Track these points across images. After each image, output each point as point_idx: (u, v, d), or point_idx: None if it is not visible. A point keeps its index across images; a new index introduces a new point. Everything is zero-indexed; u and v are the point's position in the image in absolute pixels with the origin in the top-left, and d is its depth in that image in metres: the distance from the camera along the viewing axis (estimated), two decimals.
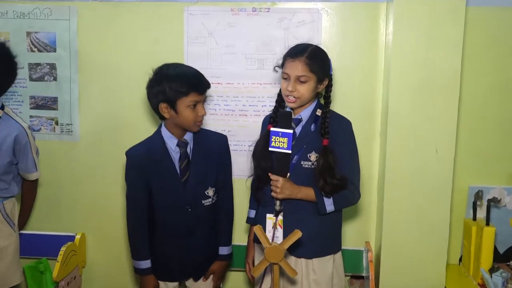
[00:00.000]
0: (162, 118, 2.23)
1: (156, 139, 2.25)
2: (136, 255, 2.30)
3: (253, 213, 2.41)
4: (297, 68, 2.10)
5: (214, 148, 2.31)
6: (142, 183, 2.23)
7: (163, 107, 2.14)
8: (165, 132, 2.23)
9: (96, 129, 2.91)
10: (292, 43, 2.27)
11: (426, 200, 2.45)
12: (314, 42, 2.33)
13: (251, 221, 2.41)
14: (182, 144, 2.23)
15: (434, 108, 2.40)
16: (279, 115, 2.10)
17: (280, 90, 2.26)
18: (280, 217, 2.13)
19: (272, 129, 2.04)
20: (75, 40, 2.84)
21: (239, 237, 2.76)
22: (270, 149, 2.04)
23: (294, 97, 2.12)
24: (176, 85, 2.09)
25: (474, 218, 2.67)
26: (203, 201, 2.27)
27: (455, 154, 2.43)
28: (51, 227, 2.95)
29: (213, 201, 2.30)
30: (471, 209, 2.68)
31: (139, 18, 2.79)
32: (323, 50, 2.21)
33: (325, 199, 2.14)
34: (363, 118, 2.69)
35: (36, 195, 2.69)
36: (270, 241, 2.01)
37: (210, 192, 2.29)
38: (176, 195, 2.23)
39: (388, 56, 2.53)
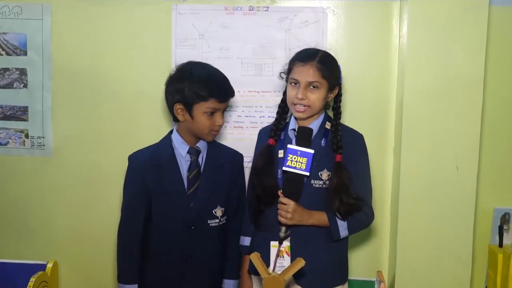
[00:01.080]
0: (175, 120, 2.22)
1: (164, 144, 2.25)
2: (122, 277, 2.24)
3: (247, 241, 2.34)
4: (308, 73, 2.09)
5: (228, 164, 2.30)
6: (142, 193, 2.21)
7: (178, 109, 2.14)
8: (176, 137, 2.22)
9: (72, 143, 2.87)
10: (294, 46, 2.27)
11: (445, 224, 2.42)
12: (318, 45, 2.33)
13: (245, 250, 2.35)
14: (194, 152, 2.21)
15: (454, 119, 2.39)
16: (299, 131, 2.10)
17: (282, 101, 2.24)
18: (287, 243, 2.10)
19: (289, 146, 2.02)
20: (49, 43, 2.82)
21: None
22: (284, 168, 2.02)
23: (304, 106, 2.10)
24: (196, 87, 2.09)
25: (501, 245, 2.65)
26: (209, 221, 2.23)
27: (479, 171, 2.42)
28: (18, 255, 2.89)
29: (221, 223, 2.26)
30: (497, 234, 2.66)
31: (121, 18, 2.77)
32: (333, 57, 2.21)
33: (339, 224, 2.11)
34: (374, 131, 2.67)
35: None
36: (273, 271, 1.98)
37: (219, 212, 2.25)
38: (178, 209, 2.19)
39: (402, 60, 2.51)
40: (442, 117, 2.39)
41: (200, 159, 2.22)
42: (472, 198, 2.41)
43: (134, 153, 2.27)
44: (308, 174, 2.00)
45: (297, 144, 2.03)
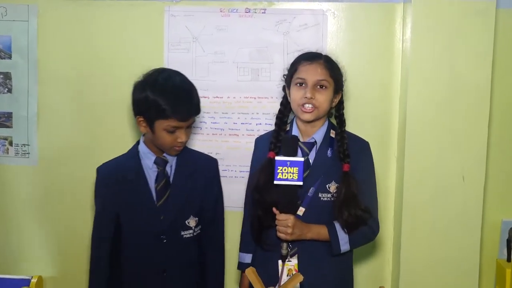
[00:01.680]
0: None
1: (131, 155, 2.23)
2: None
3: (248, 258, 2.33)
4: (316, 71, 2.10)
5: (201, 171, 2.26)
6: (109, 206, 2.19)
7: (140, 121, 2.12)
8: (142, 147, 2.20)
9: (58, 151, 2.87)
10: (293, 50, 2.28)
11: (451, 237, 2.43)
12: (318, 49, 2.34)
13: (245, 267, 2.35)
14: (160, 162, 2.19)
15: (460, 126, 2.40)
16: (283, 141, 2.07)
17: (279, 111, 2.24)
18: (295, 261, 2.10)
19: (277, 158, 1.98)
20: (35, 45, 2.82)
21: (230, 285, 2.72)
22: (276, 182, 1.98)
23: (312, 106, 2.10)
24: (157, 103, 2.04)
25: (509, 259, 2.64)
26: (182, 232, 2.20)
27: (486, 182, 2.43)
28: (1, 269, 2.88)
29: (195, 234, 2.24)
30: (505, 248, 2.66)
31: (110, 20, 2.77)
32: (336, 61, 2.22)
33: (340, 237, 2.10)
34: (376, 139, 2.63)
35: None
36: None
37: (192, 222, 2.23)
38: (148, 221, 2.17)
39: (405, 66, 2.53)
40: (448, 124, 2.41)
41: (168, 169, 2.20)
42: (479, 210, 2.41)
43: (102, 164, 2.24)
44: (301, 183, 1.97)
45: (284, 154, 1.98)
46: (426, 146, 2.42)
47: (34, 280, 2.81)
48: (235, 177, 2.76)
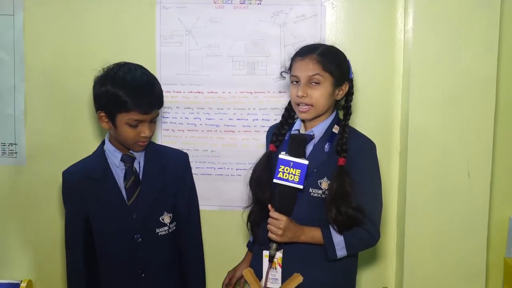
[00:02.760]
0: None
1: (97, 154, 2.22)
2: None
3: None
4: (307, 66, 2.05)
5: (171, 166, 2.26)
6: (79, 209, 2.19)
7: (102, 116, 2.10)
8: (108, 146, 2.19)
9: (47, 151, 2.85)
10: (290, 43, 2.25)
11: (457, 235, 2.43)
12: (316, 41, 2.31)
13: (250, 246, 2.39)
14: (127, 159, 2.17)
15: (465, 121, 2.40)
16: (291, 139, 2.03)
17: (289, 103, 2.21)
18: (279, 254, 2.07)
19: (280, 156, 1.96)
20: (21, 40, 2.80)
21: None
22: (275, 181, 1.97)
23: (307, 105, 2.06)
24: (117, 95, 2.02)
25: None
26: (157, 230, 2.20)
27: (492, 178, 2.43)
28: None
29: (170, 230, 2.23)
30: None
31: (100, 13, 2.75)
32: (339, 50, 2.17)
33: (336, 242, 2.05)
34: (377, 135, 2.60)
35: None
36: (265, 284, 1.98)
37: (166, 218, 2.22)
38: (121, 221, 2.16)
39: (407, 58, 2.51)
40: (452, 119, 2.40)
41: (136, 166, 2.19)
42: (485, 207, 2.42)
43: (68, 168, 2.24)
44: (301, 187, 1.95)
45: (289, 153, 1.96)
46: (430, 141, 2.43)
47: (23, 284, 2.82)
48: (231, 175, 2.74)
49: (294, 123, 2.22)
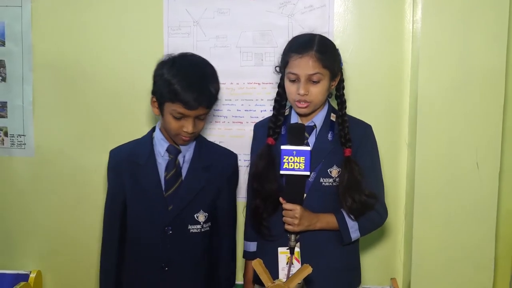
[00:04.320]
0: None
1: (145, 140, 2.24)
2: (103, 280, 2.27)
3: (253, 246, 2.35)
4: (308, 65, 2.05)
5: (218, 166, 2.25)
6: (119, 191, 2.21)
7: (153, 101, 2.13)
8: (157, 133, 2.21)
9: (55, 142, 2.87)
10: (297, 33, 2.24)
11: (465, 226, 2.43)
12: (324, 31, 2.32)
13: (250, 256, 2.35)
14: (172, 150, 2.18)
15: (473, 111, 2.39)
16: (288, 129, 2.07)
17: (277, 94, 2.23)
18: (297, 249, 2.09)
19: (283, 147, 1.98)
20: (29, 31, 2.82)
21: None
22: (282, 172, 1.98)
23: (306, 101, 2.09)
24: (168, 83, 2.04)
25: None
26: (189, 227, 2.19)
27: (501, 168, 2.42)
28: None
29: (203, 230, 2.22)
30: None
31: (107, 5, 2.77)
32: (329, 40, 2.19)
33: (350, 225, 2.11)
34: (386, 125, 2.66)
35: None
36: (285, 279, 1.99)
37: (201, 217, 2.22)
38: (154, 210, 2.16)
39: (416, 48, 2.51)
40: (461, 109, 2.40)
41: (181, 159, 2.19)
42: (494, 197, 2.41)
43: (115, 148, 2.27)
44: (308, 173, 1.98)
45: (290, 143, 1.98)
46: (438, 132, 2.42)
47: (33, 275, 2.84)
48: (240, 166, 2.73)
49: (288, 115, 2.23)
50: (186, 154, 2.20)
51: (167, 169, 2.18)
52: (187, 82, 2.03)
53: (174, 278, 2.19)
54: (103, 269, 2.28)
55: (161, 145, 2.18)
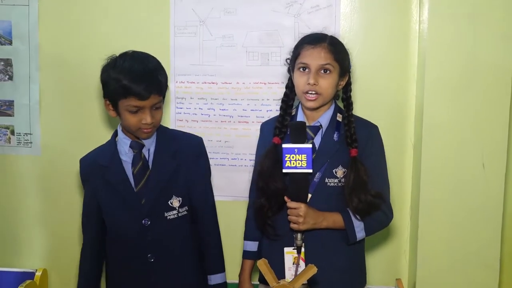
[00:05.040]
0: None
1: (109, 143, 2.27)
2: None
3: (252, 245, 2.34)
4: (320, 55, 2.08)
5: (184, 150, 2.27)
6: (90, 195, 2.25)
7: (107, 104, 2.15)
8: (119, 134, 2.23)
9: (62, 140, 2.89)
10: (304, 33, 2.25)
11: (471, 227, 2.43)
12: (331, 31, 2.32)
13: (250, 256, 2.35)
14: (135, 145, 2.20)
15: (480, 112, 2.39)
16: (290, 128, 2.08)
17: (285, 94, 2.25)
18: (302, 249, 2.10)
19: (284, 146, 1.99)
20: (36, 30, 2.83)
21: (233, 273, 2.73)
22: (284, 171, 2.00)
23: (316, 93, 2.09)
24: (115, 82, 2.06)
25: None
26: (165, 214, 2.21)
27: (507, 170, 2.42)
28: (5, 262, 2.91)
29: (180, 214, 2.24)
30: None
31: (114, 4, 2.79)
32: (342, 42, 2.21)
33: (355, 225, 2.12)
34: (392, 125, 2.67)
35: None
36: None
37: (175, 202, 2.22)
38: (128, 207, 2.18)
39: (422, 48, 2.51)
40: (467, 110, 2.40)
41: (146, 152, 2.21)
42: (499, 198, 2.41)
43: (84, 156, 2.30)
44: (311, 171, 1.99)
45: (292, 141, 1.99)
46: (444, 132, 2.42)
47: (38, 273, 2.85)
48: (245, 165, 2.77)
49: (294, 115, 2.24)
50: (150, 147, 2.22)
51: (134, 164, 2.19)
52: (134, 75, 2.05)
53: (162, 268, 2.21)
54: (80, 276, 2.33)
55: (124, 143, 2.20)
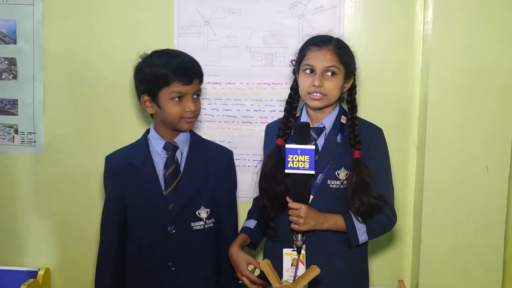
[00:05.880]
0: (152, 115, 2.23)
1: (140, 142, 2.25)
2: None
3: (252, 223, 2.31)
4: (325, 57, 2.09)
5: (214, 161, 2.25)
6: (116, 196, 2.22)
7: (146, 100, 2.14)
8: (152, 134, 2.22)
9: (65, 140, 2.89)
10: (308, 34, 2.26)
11: (474, 229, 2.43)
12: (335, 32, 2.33)
13: (246, 230, 2.29)
14: (170, 147, 2.19)
15: (484, 113, 2.39)
16: (294, 128, 2.07)
17: (289, 96, 2.25)
18: (302, 251, 2.10)
19: (287, 146, 1.99)
20: (40, 30, 2.84)
21: None
22: (287, 171, 2.00)
23: (321, 94, 2.10)
24: (156, 72, 2.08)
25: None
26: (192, 224, 2.18)
27: (510, 172, 2.42)
28: (7, 261, 2.92)
29: (207, 226, 2.21)
30: None
31: (118, 4, 2.79)
32: (348, 44, 2.21)
33: (358, 227, 2.11)
34: (395, 126, 2.67)
35: None
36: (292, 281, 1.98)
37: (203, 213, 2.21)
38: (155, 210, 2.16)
39: (426, 50, 2.51)
40: (470, 111, 2.39)
41: (179, 155, 2.20)
42: (503, 200, 2.41)
43: (111, 153, 2.28)
44: (313, 172, 1.98)
45: (295, 142, 1.99)
46: (448, 134, 2.41)
47: (41, 272, 2.85)
48: (248, 166, 2.76)
49: (298, 117, 2.24)
50: (183, 150, 2.21)
51: (166, 166, 2.18)
52: (176, 63, 2.10)
53: (181, 277, 2.18)
54: (98, 279, 2.28)
55: (157, 144, 2.19)
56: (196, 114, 2.15)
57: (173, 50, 2.21)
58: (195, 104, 2.13)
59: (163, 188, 2.17)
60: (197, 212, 2.20)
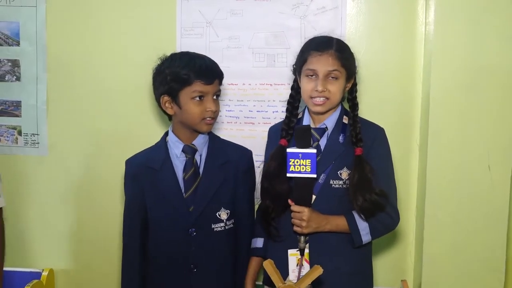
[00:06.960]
0: (170, 118, 2.25)
1: (159, 145, 2.27)
2: None
3: (260, 242, 2.32)
4: (327, 62, 2.10)
5: (233, 162, 2.27)
6: (138, 199, 2.23)
7: (166, 101, 2.15)
8: (171, 136, 2.23)
9: (68, 141, 2.89)
10: (310, 35, 2.27)
11: (476, 229, 2.43)
12: (337, 33, 2.33)
13: (257, 253, 2.32)
14: (188, 150, 2.20)
15: (485, 113, 2.39)
16: (295, 132, 2.08)
17: (290, 96, 2.26)
18: (306, 250, 2.10)
19: (288, 150, 2.00)
20: (43, 31, 2.85)
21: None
22: (288, 175, 2.00)
23: (325, 98, 2.11)
24: (177, 72, 2.10)
25: None
26: (213, 226, 2.20)
27: None
28: (11, 262, 2.90)
29: (227, 227, 2.23)
30: None
31: (121, 5, 2.80)
32: (347, 44, 2.22)
33: (361, 228, 2.12)
34: (398, 126, 2.67)
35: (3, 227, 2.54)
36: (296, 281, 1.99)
37: (223, 215, 2.22)
38: (176, 213, 2.17)
39: (428, 50, 2.52)
40: (473, 111, 2.40)
41: (198, 158, 2.22)
42: (505, 200, 2.41)
43: (131, 157, 2.29)
44: (315, 176, 1.99)
45: (297, 146, 1.99)
46: (450, 134, 2.41)
47: (45, 273, 2.85)
48: None
49: (301, 118, 2.25)
50: (202, 152, 2.23)
51: (185, 169, 2.20)
52: (197, 63, 2.13)
53: (204, 278, 2.20)
54: (126, 278, 2.29)
55: (176, 147, 2.20)
56: (216, 115, 2.18)
57: (192, 53, 2.23)
58: (215, 104, 2.16)
59: (183, 190, 2.19)
60: (217, 214, 2.22)
